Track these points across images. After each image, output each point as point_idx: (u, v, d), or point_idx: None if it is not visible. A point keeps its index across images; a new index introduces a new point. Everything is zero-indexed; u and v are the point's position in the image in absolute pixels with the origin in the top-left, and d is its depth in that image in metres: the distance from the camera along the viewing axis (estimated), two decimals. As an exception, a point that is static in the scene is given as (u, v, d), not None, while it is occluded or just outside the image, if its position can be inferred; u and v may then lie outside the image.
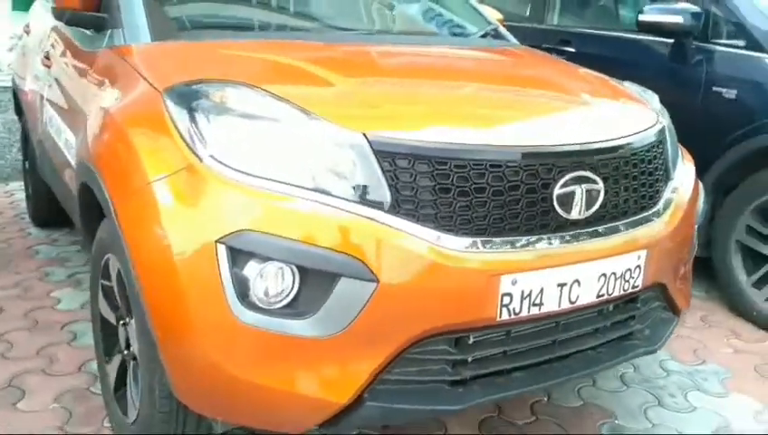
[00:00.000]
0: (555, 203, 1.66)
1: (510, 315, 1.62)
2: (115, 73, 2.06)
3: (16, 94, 4.07)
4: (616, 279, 1.76)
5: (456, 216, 1.57)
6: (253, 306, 1.51)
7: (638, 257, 1.81)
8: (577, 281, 1.69)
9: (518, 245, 1.62)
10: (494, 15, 3.05)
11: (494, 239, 1.60)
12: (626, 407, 2.39)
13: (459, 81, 2.07)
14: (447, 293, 1.55)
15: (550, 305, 1.67)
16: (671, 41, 3.41)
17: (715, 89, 3.22)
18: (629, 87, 2.30)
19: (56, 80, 2.77)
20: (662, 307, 2.04)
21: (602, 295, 1.75)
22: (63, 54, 2.74)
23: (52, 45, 2.97)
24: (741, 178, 3.10)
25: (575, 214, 1.69)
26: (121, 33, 2.19)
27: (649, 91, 2.33)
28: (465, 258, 1.55)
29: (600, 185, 1.73)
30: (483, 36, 2.73)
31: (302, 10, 2.65)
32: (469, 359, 1.66)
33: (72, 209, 2.79)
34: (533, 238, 1.64)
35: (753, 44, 3.13)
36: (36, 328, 2.81)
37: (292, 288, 1.52)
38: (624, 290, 1.80)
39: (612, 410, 2.36)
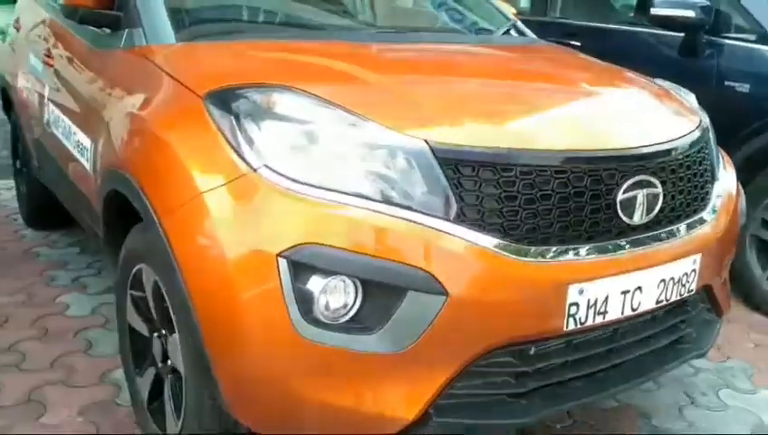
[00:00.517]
0: (618, 208, 1.62)
1: (576, 325, 1.58)
2: (142, 76, 1.96)
3: (5, 92, 3.91)
4: (674, 284, 1.74)
5: (522, 224, 1.52)
6: (316, 321, 1.45)
7: (694, 261, 1.78)
8: (639, 288, 1.66)
9: (584, 252, 1.58)
10: (510, 10, 3.00)
11: (560, 247, 1.55)
12: (660, 407, 2.37)
13: (505, 81, 2.02)
14: (516, 304, 1.50)
15: (613, 314, 1.64)
16: (681, 34, 3.40)
17: (727, 83, 3.21)
18: (666, 85, 2.27)
19: (62, 79, 2.66)
20: (707, 309, 2.02)
21: (661, 301, 1.73)
22: (70, 53, 2.62)
23: (54, 43, 2.84)
24: (756, 172, 3.10)
25: (636, 219, 1.66)
26: (141, 33, 2.09)
27: (686, 90, 2.30)
28: (534, 268, 1.51)
29: (660, 189, 1.70)
30: (506, 33, 2.68)
31: (324, 6, 2.57)
32: (532, 370, 1.62)
33: (81, 212, 2.70)
34: (598, 245, 1.60)
35: (764, 38, 3.13)
36: (48, 337, 2.71)
37: (356, 302, 1.46)
38: (680, 295, 1.77)
39: (647, 410, 2.35)
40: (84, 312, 2.93)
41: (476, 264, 1.46)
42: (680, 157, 1.79)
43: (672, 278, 1.73)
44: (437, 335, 1.46)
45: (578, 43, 3.85)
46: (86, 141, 2.32)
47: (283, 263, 1.43)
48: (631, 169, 1.64)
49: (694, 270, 1.79)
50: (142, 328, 1.99)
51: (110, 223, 2.08)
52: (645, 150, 1.69)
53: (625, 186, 1.63)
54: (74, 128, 2.47)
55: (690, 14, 3.23)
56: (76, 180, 2.56)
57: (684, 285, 1.77)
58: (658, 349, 1.85)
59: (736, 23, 3.26)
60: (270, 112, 1.57)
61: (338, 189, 1.48)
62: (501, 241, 1.49)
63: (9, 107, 3.97)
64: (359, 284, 1.45)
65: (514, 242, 1.51)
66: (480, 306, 1.47)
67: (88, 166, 2.32)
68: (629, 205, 1.64)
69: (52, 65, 2.78)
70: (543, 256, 1.53)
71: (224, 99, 1.63)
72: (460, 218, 1.48)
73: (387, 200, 1.47)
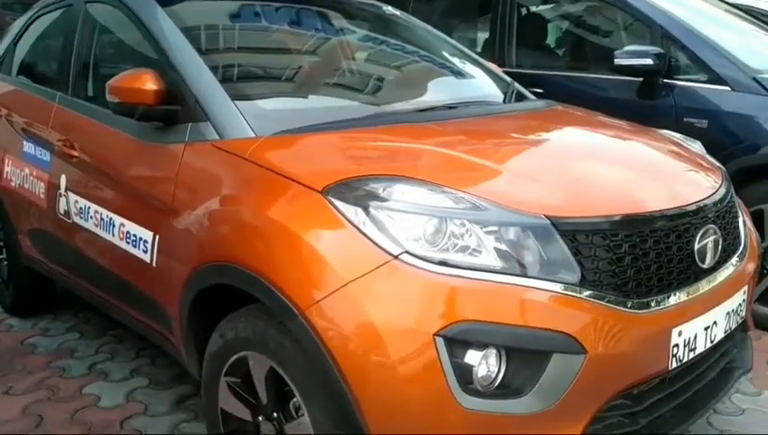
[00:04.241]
0: (696, 256, 1.87)
1: (676, 364, 1.81)
2: (233, 172, 2.02)
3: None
4: (734, 314, 2.01)
5: (630, 281, 1.73)
6: (474, 392, 1.60)
7: (744, 292, 2.06)
8: (715, 322, 1.91)
9: (678, 298, 1.82)
10: (498, 69, 3.26)
11: (661, 297, 1.78)
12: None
13: (577, 150, 2.25)
14: (637, 352, 1.71)
15: (699, 348, 1.88)
16: (640, 79, 3.79)
17: (686, 120, 3.61)
18: (677, 136, 2.58)
19: (95, 171, 2.66)
20: (741, 329, 2.30)
21: (727, 331, 1.99)
22: (105, 145, 2.63)
23: (74, 134, 2.82)
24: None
25: (708, 263, 1.91)
26: (211, 127, 2.17)
27: (690, 138, 2.62)
28: (648, 318, 1.73)
29: (719, 233, 1.96)
30: (513, 96, 2.92)
31: (368, 85, 2.72)
32: (641, 408, 1.82)
33: (120, 302, 2.69)
34: (686, 290, 1.84)
35: (715, 79, 3.56)
36: (94, 432, 2.65)
37: (507, 369, 1.62)
38: (737, 323, 2.05)
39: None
40: (119, 400, 2.88)
41: (606, 321, 1.66)
42: (725, 202, 2.07)
43: (733, 310, 2.00)
44: (577, 390, 1.64)
45: (541, 91, 4.19)
46: (144, 233, 2.34)
47: (440, 341, 1.57)
48: (701, 221, 1.90)
49: (744, 299, 2.07)
50: (243, 413, 2.05)
51: (196, 316, 2.13)
52: (708, 202, 1.97)
53: (698, 235, 1.88)
54: (120, 219, 2.47)
55: (648, 61, 3.63)
56: (121, 272, 2.56)
57: (738, 314, 2.05)
58: (720, 371, 2.11)
59: (688, 66, 3.68)
60: (395, 201, 1.71)
61: (475, 268, 1.64)
62: (619, 298, 1.70)
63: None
64: (510, 352, 1.61)
65: (628, 298, 1.71)
66: (610, 359, 1.67)
67: (147, 257, 2.34)
68: (702, 251, 1.89)
69: (74, 156, 2.76)
70: (654, 307, 1.75)
71: (345, 191, 1.75)
72: (583, 282, 1.68)
73: (521, 273, 1.65)
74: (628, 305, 1.71)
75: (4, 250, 3.77)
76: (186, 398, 2.88)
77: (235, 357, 2.00)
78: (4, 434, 2.64)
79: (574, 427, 1.67)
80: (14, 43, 3.67)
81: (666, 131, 2.64)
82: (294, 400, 1.86)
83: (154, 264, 2.31)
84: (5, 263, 3.78)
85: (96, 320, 3.64)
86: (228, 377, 2.05)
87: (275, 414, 1.95)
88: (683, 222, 1.86)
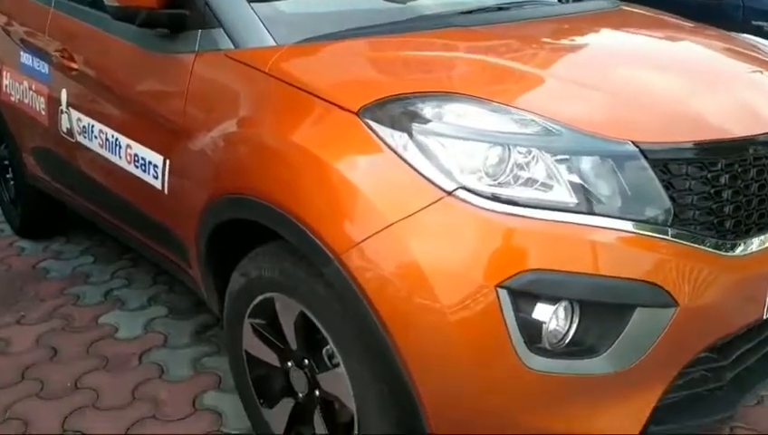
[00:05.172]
0: None
1: (773, 312, 1.55)
2: (252, 88, 1.73)
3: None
4: None
5: (729, 219, 1.46)
6: (540, 350, 1.36)
7: None
8: None
9: (777, 238, 1.54)
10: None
11: (761, 237, 1.50)
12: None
13: (658, 63, 1.87)
14: (733, 301, 1.47)
15: (796, 295, 1.61)
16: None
17: (755, 23, 3.22)
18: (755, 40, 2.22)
19: (97, 85, 2.37)
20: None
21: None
22: (107, 56, 2.33)
23: (74, 43, 2.52)
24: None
25: None
26: (224, 34, 1.85)
27: (768, 43, 2.27)
28: (747, 263, 1.47)
29: (825, 162, 1.65)
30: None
31: None
32: (728, 362, 1.58)
33: (130, 228, 2.47)
34: (786, 228, 1.56)
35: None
36: (111, 366, 2.49)
37: (580, 324, 1.37)
38: None
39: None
40: (137, 331, 2.71)
41: (700, 267, 1.40)
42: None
43: None
44: (663, 348, 1.39)
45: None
46: (153, 157, 2.08)
47: (503, 294, 1.32)
48: (813, 147, 1.59)
49: None
50: (270, 358, 1.84)
51: (215, 252, 1.89)
52: None
53: None
54: (127, 140, 2.21)
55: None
56: (130, 197, 2.32)
57: None
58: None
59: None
60: (448, 124, 1.42)
61: (546, 206, 1.36)
62: (716, 239, 1.43)
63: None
64: (585, 306, 1.36)
65: (725, 239, 1.44)
66: (703, 311, 1.42)
67: (157, 184, 2.09)
68: None
69: (74, 68, 2.47)
70: (750, 249, 1.48)
71: (385, 113, 1.46)
72: (674, 222, 1.40)
73: (601, 212, 1.37)
74: (726, 247, 1.43)
75: (9, 169, 3.55)
76: (206, 327, 2.72)
77: (260, 298, 1.78)
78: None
79: (655, 388, 1.44)
80: (5, -61, 3.30)
81: (754, 38, 2.27)
82: (328, 347, 1.65)
83: (166, 191, 2.06)
84: (12, 182, 3.57)
85: (110, 242, 3.43)
86: (253, 319, 1.83)
87: (306, 361, 1.74)
88: None
